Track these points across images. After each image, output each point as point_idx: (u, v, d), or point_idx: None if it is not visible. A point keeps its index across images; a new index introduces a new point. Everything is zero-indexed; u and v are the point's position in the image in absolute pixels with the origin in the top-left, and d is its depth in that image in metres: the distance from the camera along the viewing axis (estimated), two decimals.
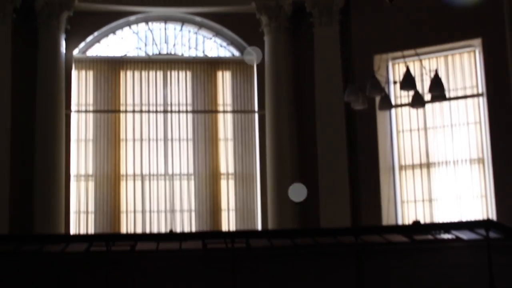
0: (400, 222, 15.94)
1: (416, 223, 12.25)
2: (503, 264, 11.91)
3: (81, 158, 16.75)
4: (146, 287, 12.81)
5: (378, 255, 13.14)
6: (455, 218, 15.18)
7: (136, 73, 17.28)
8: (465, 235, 12.09)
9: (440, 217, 15.83)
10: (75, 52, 17.00)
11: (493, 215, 15.11)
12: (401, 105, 16.51)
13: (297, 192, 15.41)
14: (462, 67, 16.31)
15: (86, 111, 17.00)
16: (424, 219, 15.78)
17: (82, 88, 17.14)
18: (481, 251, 11.57)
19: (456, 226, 11.59)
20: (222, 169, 17.01)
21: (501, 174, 15.17)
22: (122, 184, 16.66)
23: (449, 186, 15.99)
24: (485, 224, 10.97)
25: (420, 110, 16.22)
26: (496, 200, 15.18)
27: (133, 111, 17.05)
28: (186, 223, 16.63)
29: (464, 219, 14.63)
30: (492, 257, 10.52)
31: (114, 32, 17.70)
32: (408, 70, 12.05)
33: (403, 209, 16.30)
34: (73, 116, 16.90)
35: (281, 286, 12.84)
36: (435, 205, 16.11)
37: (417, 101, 12.51)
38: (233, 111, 17.26)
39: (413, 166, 16.38)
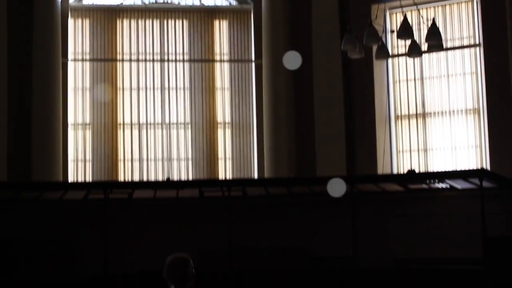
0: (395, 172, 16.06)
1: (411, 172, 12.36)
2: (496, 213, 12.10)
3: (78, 107, 16.77)
4: (143, 234, 13.00)
5: (373, 204, 13.33)
6: (449, 168, 15.29)
7: (133, 22, 17.17)
8: (459, 184, 12.24)
9: (435, 167, 15.96)
10: (71, 0, 16.86)
11: (487, 165, 15.24)
12: (398, 55, 16.48)
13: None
14: (460, 17, 16.24)
15: (82, 60, 16.94)
16: (419, 168, 15.90)
17: (78, 36, 17.03)
18: (475, 200, 11.74)
19: (451, 175, 11.73)
20: (219, 118, 17.05)
21: (496, 124, 15.24)
22: (119, 132, 16.72)
23: (444, 136, 16.06)
24: (479, 173, 11.10)
25: (417, 60, 16.21)
26: (491, 150, 15.28)
27: (130, 60, 16.99)
28: (183, 171, 16.74)
29: (458, 169, 14.74)
30: (485, 206, 10.68)
31: None
32: (405, 19, 12.01)
33: (398, 159, 16.41)
34: (70, 65, 16.84)
35: (276, 234, 13.03)
36: (430, 154, 16.22)
37: (414, 51, 12.49)
38: (230, 61, 17.22)
39: (409, 116, 16.44)
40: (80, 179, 16.08)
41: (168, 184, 12.09)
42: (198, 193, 12.82)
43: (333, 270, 11.77)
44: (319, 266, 12.36)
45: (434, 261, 12.22)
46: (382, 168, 15.60)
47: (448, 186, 12.37)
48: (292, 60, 13.50)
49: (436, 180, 11.93)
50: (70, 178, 15.45)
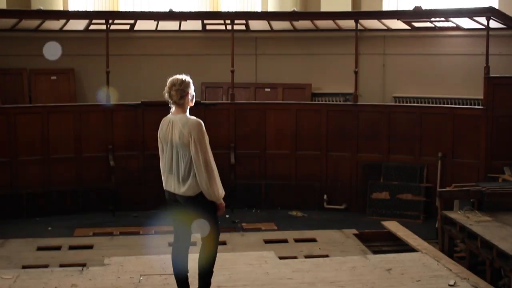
0: (401, 8, 15.74)
1: (417, 9, 12.12)
2: (501, 54, 12.03)
3: None
4: (145, 66, 13.00)
5: (377, 41, 13.22)
6: (456, 5, 14.97)
7: None
8: (465, 23, 12.06)
9: (442, 4, 15.62)
10: None
11: (495, 3, 14.92)
12: None
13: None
14: None
15: None
16: (425, 5, 15.56)
17: None
18: (480, 40, 11.64)
19: (457, 13, 11.51)
20: None
21: None
22: None
23: None
24: (486, 11, 10.89)
25: None
26: None
27: None
28: (186, 2, 16.42)
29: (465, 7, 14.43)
30: (491, 47, 10.58)
31: None
32: None
33: None
34: None
35: (279, 69, 13.04)
36: None
37: None
38: None
39: None
40: (82, 7, 15.75)
41: (171, 14, 11.89)
42: (201, 25, 12.68)
43: (335, 105, 11.94)
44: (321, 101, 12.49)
45: (435, 99, 12.36)
46: (387, 4, 15.26)
47: (454, 25, 12.19)
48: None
49: (442, 18, 11.73)
50: (71, 7, 15.07)
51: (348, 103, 12.02)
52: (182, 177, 5.43)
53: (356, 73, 11.50)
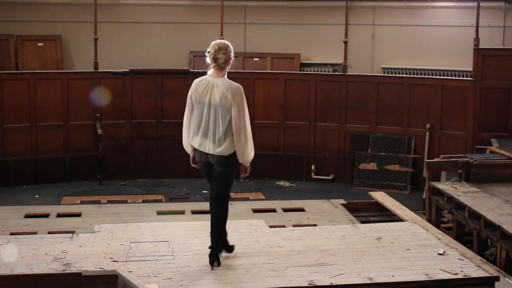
0: None
1: None
2: (490, 25, 12.01)
3: None
4: (133, 33, 12.79)
5: (367, 11, 13.11)
6: None
7: None
8: None
9: None
10: None
11: None
12: None
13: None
14: None
15: None
16: None
17: None
18: (470, 12, 11.60)
19: None
20: None
21: None
22: None
23: None
24: None
25: None
26: None
27: None
28: None
29: None
30: (480, 19, 10.54)
31: None
32: None
33: None
34: None
35: (267, 39, 12.93)
36: None
37: None
38: None
39: None
40: None
41: None
42: None
43: (324, 75, 11.89)
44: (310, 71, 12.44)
45: (424, 71, 12.34)
46: None
47: None
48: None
49: None
50: None
51: (337, 73, 11.99)
52: (219, 137, 5.60)
53: (345, 43, 11.46)
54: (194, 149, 5.76)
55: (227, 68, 5.70)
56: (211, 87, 5.61)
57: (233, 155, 5.63)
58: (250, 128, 5.69)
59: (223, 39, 5.84)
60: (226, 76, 5.70)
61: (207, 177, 5.85)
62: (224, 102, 5.54)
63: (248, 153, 5.66)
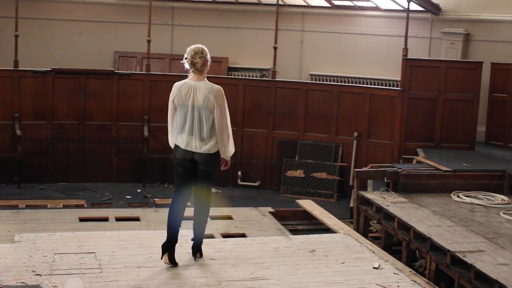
0: None
1: None
2: (417, 36, 12.14)
3: None
4: (56, 31, 12.36)
5: (296, 17, 12.99)
6: None
7: None
8: (384, 4, 12.11)
9: None
10: None
11: None
12: None
13: None
14: None
15: None
16: None
17: None
18: (398, 22, 11.72)
19: None
20: None
21: None
22: None
23: None
24: None
25: None
26: None
27: None
28: None
29: None
30: (410, 29, 10.62)
31: None
32: None
33: None
34: None
35: (195, 41, 12.69)
36: None
37: None
38: None
39: None
40: None
41: None
42: None
43: (252, 80, 11.76)
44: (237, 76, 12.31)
45: (352, 79, 12.40)
46: None
47: (374, 5, 12.25)
48: None
49: None
50: None
51: (266, 79, 11.87)
52: (204, 137, 5.96)
53: (275, 48, 11.36)
54: (176, 147, 6.03)
55: (206, 70, 6.01)
56: (194, 90, 5.94)
57: (217, 153, 6.01)
58: (230, 126, 6.03)
59: (194, 44, 6.04)
60: (206, 79, 6.01)
61: (183, 175, 6.04)
62: (207, 104, 5.91)
63: (229, 149, 6.02)
